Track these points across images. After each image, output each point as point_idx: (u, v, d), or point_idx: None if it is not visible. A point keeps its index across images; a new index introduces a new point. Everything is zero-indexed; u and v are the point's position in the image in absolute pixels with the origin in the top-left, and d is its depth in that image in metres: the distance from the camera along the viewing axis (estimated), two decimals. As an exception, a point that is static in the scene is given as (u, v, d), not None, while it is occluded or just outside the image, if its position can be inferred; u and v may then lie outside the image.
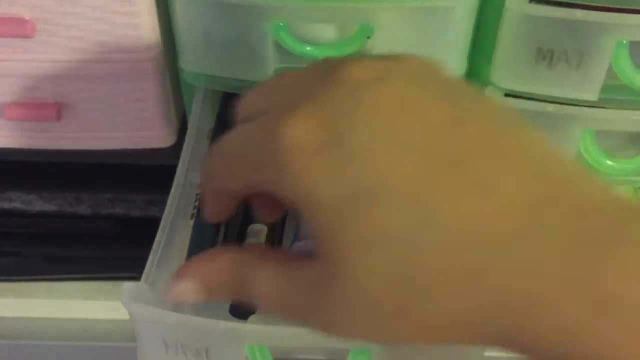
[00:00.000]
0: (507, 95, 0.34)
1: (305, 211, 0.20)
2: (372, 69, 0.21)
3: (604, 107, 0.34)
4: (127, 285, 0.26)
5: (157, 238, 0.28)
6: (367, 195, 0.19)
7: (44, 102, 0.36)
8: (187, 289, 0.22)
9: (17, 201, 0.42)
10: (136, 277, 0.28)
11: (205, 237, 0.28)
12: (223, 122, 0.35)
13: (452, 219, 0.18)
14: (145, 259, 0.28)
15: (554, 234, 0.18)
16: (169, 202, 0.30)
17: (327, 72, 0.21)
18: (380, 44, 0.32)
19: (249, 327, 0.25)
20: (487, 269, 0.18)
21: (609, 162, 0.35)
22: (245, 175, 0.22)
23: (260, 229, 0.31)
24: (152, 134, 0.38)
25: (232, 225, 0.31)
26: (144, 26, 0.33)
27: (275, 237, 0.31)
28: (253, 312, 0.26)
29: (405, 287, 0.19)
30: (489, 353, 0.30)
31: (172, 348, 0.26)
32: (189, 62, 0.34)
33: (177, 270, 0.22)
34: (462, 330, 0.19)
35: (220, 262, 0.22)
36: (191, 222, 0.30)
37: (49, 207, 0.42)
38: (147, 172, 0.40)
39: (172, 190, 0.31)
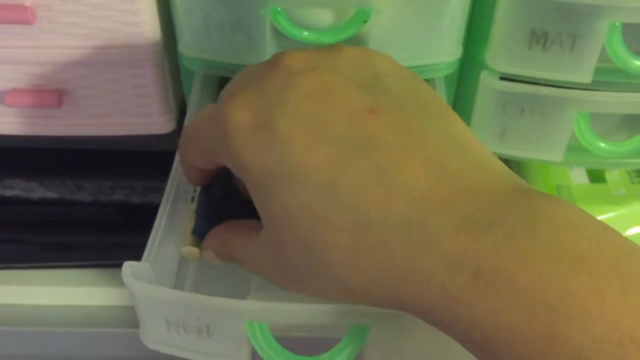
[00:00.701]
0: (502, 78, 0.35)
1: (245, 181, 0.24)
2: (308, 59, 0.24)
3: (597, 90, 0.34)
4: (128, 265, 0.26)
5: (157, 220, 0.29)
6: (286, 176, 0.22)
7: (44, 89, 0.36)
8: (210, 255, 0.28)
9: (17, 188, 0.42)
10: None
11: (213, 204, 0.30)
12: None
13: (353, 202, 0.21)
14: (145, 246, 0.28)
15: (442, 217, 0.20)
16: (168, 185, 0.30)
17: (270, 60, 0.25)
18: (376, 28, 0.32)
19: (249, 304, 0.26)
20: (383, 248, 0.21)
21: (603, 145, 0.36)
22: (204, 152, 0.26)
23: None
24: (152, 120, 0.38)
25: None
26: (143, 12, 0.34)
27: None
28: None
29: (314, 259, 0.22)
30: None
31: (173, 326, 0.27)
32: (188, 48, 0.34)
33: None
34: (360, 296, 0.22)
35: (218, 237, 0.28)
36: (191, 205, 0.31)
37: (50, 194, 0.42)
38: (147, 159, 0.40)
39: (172, 173, 0.31)
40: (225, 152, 0.24)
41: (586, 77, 0.33)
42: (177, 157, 0.32)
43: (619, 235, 0.20)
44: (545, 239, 0.19)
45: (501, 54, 0.34)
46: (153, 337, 0.28)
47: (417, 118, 0.23)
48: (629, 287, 0.18)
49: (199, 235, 0.29)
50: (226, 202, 0.30)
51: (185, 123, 0.34)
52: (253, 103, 0.23)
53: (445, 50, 0.34)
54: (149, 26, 0.34)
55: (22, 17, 0.33)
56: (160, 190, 0.32)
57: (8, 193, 0.42)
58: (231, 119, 0.23)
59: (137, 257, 0.28)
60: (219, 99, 0.27)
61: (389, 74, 0.25)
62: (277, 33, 0.32)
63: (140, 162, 0.41)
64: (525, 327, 0.18)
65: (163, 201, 0.30)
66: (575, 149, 0.36)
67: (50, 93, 0.36)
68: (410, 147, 0.22)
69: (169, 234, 0.29)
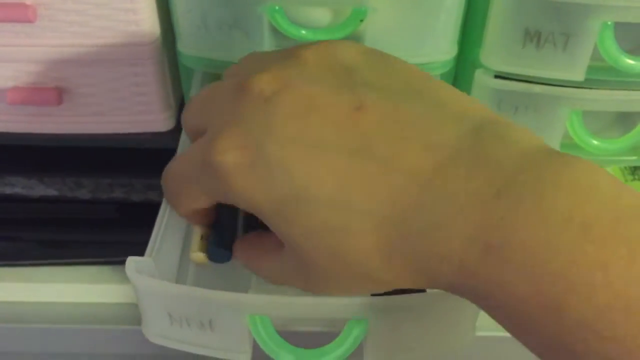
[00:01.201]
0: (496, 76, 0.35)
1: (256, 214, 0.24)
2: (276, 79, 0.24)
3: (590, 88, 0.35)
4: (132, 259, 0.27)
5: (159, 215, 0.29)
6: (295, 201, 0.22)
7: (44, 87, 0.36)
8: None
9: (17, 186, 0.43)
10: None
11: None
12: None
13: (367, 204, 0.21)
14: (145, 243, 0.28)
15: (450, 198, 0.20)
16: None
17: (238, 89, 0.24)
18: (372, 27, 0.33)
19: (251, 298, 0.26)
20: (407, 239, 0.21)
21: (595, 142, 0.36)
22: (201, 197, 0.26)
23: None
24: (151, 118, 0.38)
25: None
26: (143, 11, 0.34)
27: None
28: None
29: (344, 267, 0.22)
30: (481, 333, 0.31)
31: (176, 320, 0.27)
32: (187, 46, 0.35)
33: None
34: (390, 284, 0.23)
35: (242, 258, 0.29)
36: None
37: (50, 191, 0.43)
38: (147, 157, 0.40)
39: None
40: (227, 194, 0.24)
41: (579, 75, 0.34)
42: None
43: (629, 192, 0.19)
44: (550, 206, 0.19)
45: (495, 52, 0.35)
46: (156, 331, 0.28)
47: (402, 101, 0.23)
48: (635, 255, 0.18)
49: (216, 258, 0.29)
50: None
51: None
52: (239, 141, 0.23)
53: (441, 49, 0.35)
54: (148, 24, 0.35)
55: (23, 16, 0.33)
56: (160, 188, 0.32)
57: (8, 191, 0.43)
58: (222, 164, 0.23)
59: (137, 254, 0.28)
60: (187, 127, 0.28)
61: (359, 64, 0.24)
62: (275, 31, 0.33)
63: (140, 159, 0.42)
64: (532, 298, 0.19)
65: (163, 202, 0.30)
66: (569, 146, 0.37)
67: (50, 91, 0.36)
68: (404, 135, 0.22)
69: (171, 230, 0.30)
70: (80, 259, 0.43)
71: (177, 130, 0.39)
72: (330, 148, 0.22)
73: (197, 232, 0.29)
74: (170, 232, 0.30)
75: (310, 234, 0.22)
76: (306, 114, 0.22)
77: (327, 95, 0.23)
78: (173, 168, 0.28)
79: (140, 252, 0.28)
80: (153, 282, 0.26)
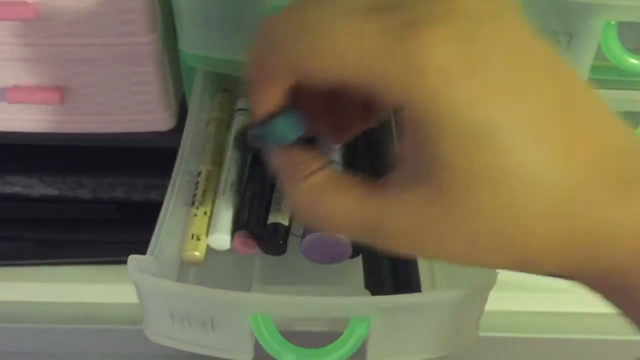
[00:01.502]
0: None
1: (430, 129, 0.20)
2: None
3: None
4: (134, 258, 0.27)
5: (160, 215, 0.29)
6: (499, 131, 0.19)
7: (46, 86, 0.36)
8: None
9: (18, 185, 0.42)
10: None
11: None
12: None
13: (563, 160, 0.20)
14: (146, 243, 0.28)
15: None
16: (169, 189, 0.31)
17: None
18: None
19: (253, 297, 0.26)
20: (589, 205, 0.20)
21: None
22: (348, 67, 0.20)
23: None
24: (152, 117, 0.38)
25: (259, 172, 0.33)
26: (143, 9, 0.34)
27: None
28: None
29: (512, 227, 0.20)
30: (485, 334, 0.31)
31: (178, 319, 0.27)
32: (188, 44, 0.35)
33: None
34: (551, 261, 0.21)
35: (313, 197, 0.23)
36: (192, 209, 0.31)
37: (51, 191, 0.42)
38: (148, 156, 0.40)
39: (172, 177, 0.31)
40: (405, 92, 0.20)
41: (582, 75, 0.34)
42: (177, 163, 0.32)
43: None
44: None
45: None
46: (157, 330, 0.28)
47: (578, 77, 0.21)
48: None
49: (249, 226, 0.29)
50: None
51: (187, 124, 0.34)
52: (454, 45, 0.19)
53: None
54: (149, 23, 0.35)
55: (24, 15, 0.33)
56: (161, 188, 0.32)
57: (9, 190, 0.42)
58: (428, 59, 0.19)
59: (138, 254, 0.28)
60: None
61: None
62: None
63: (141, 159, 0.41)
64: None
65: (166, 198, 0.30)
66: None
67: (52, 90, 0.36)
68: (598, 108, 0.21)
69: (173, 229, 0.30)
70: (80, 259, 0.43)
71: (178, 129, 0.39)
72: (540, 96, 0.20)
73: (189, 232, 0.29)
74: (171, 231, 0.29)
75: (493, 174, 0.20)
76: (520, 50, 0.21)
77: (536, 42, 0.21)
78: (327, 17, 0.21)
79: (142, 252, 0.28)
80: (155, 281, 0.26)
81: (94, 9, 0.34)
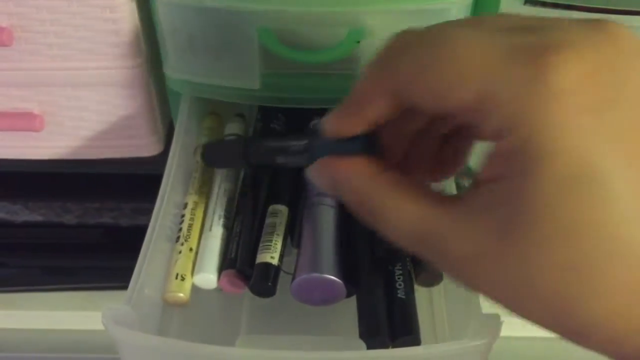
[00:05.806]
0: (526, 2, 0.33)
1: (529, 163, 0.18)
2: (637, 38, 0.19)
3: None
4: (109, 309, 0.25)
5: (139, 260, 0.28)
6: (611, 181, 0.17)
7: (24, 112, 0.35)
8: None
9: (2, 211, 0.41)
10: (124, 287, 0.27)
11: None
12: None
13: None
14: (134, 268, 0.27)
15: None
16: (150, 223, 0.29)
17: (594, 22, 0.19)
18: (370, 48, 0.31)
19: (235, 352, 0.25)
20: None
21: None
22: (463, 76, 0.19)
23: (282, 209, 0.31)
24: (138, 143, 0.36)
25: (248, 205, 0.31)
26: (127, 33, 0.32)
27: (296, 217, 0.31)
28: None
29: (588, 296, 0.17)
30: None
31: (158, 370, 0.25)
32: (173, 69, 0.33)
33: None
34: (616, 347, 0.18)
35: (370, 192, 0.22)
36: (177, 245, 0.30)
37: (35, 217, 0.41)
38: (135, 181, 0.39)
39: (155, 210, 0.29)
40: (516, 112, 0.18)
41: None
42: (160, 196, 0.30)
43: None
44: None
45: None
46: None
47: None
48: None
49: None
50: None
51: (171, 151, 0.33)
52: (591, 71, 0.18)
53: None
54: (133, 47, 0.33)
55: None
56: (149, 212, 0.31)
57: (-7, 216, 0.41)
58: (555, 84, 0.17)
59: (126, 279, 0.27)
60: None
61: None
62: (266, 53, 0.31)
63: (128, 183, 0.40)
64: None
65: (148, 233, 0.29)
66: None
67: (31, 116, 0.35)
68: None
69: (155, 268, 0.28)
70: (67, 285, 0.42)
71: (166, 154, 0.37)
72: None
73: (172, 272, 0.27)
74: (153, 271, 0.28)
75: (586, 230, 0.17)
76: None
77: None
78: (453, 33, 0.20)
79: (128, 279, 0.26)
80: (133, 335, 0.24)
81: (72, 32, 0.32)
